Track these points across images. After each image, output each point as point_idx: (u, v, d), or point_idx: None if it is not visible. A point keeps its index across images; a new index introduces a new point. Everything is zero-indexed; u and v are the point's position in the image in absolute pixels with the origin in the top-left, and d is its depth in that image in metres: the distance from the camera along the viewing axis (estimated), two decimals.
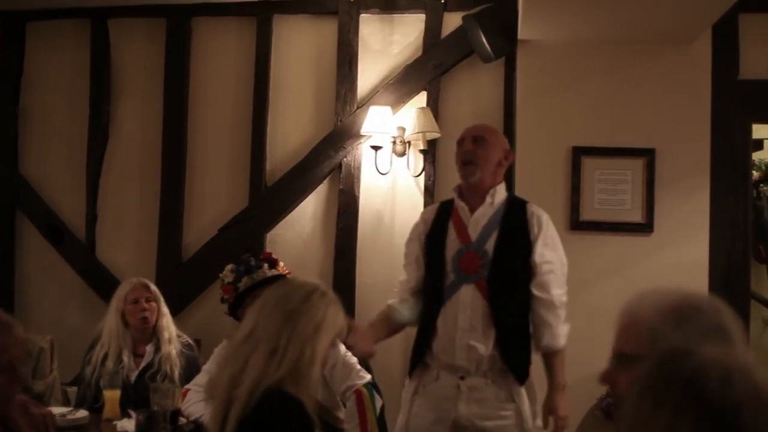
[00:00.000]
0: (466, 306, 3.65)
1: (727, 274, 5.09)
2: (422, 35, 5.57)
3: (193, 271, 5.71)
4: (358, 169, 5.56)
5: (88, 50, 5.93)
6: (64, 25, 6.00)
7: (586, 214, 5.11)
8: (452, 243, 3.75)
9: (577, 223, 5.11)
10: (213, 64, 5.87)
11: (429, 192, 5.47)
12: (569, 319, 3.72)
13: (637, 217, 5.12)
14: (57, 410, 3.93)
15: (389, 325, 3.97)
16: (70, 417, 3.97)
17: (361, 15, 5.62)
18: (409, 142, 5.47)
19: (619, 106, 5.15)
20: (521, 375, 3.65)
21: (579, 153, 5.16)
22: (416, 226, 4.00)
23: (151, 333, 4.56)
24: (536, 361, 3.75)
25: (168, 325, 4.61)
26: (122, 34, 5.94)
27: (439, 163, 5.48)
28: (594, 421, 4.79)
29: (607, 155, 5.14)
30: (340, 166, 5.59)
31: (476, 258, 3.67)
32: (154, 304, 4.58)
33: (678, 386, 1.40)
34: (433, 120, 5.35)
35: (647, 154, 5.10)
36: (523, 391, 3.65)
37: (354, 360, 4.17)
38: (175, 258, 5.75)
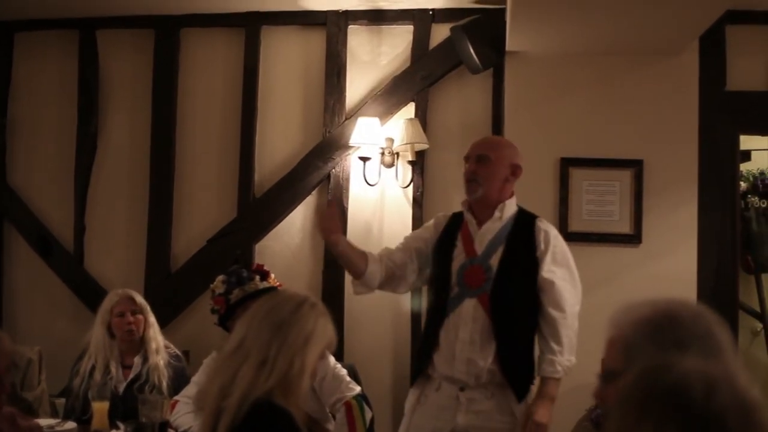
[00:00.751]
0: (467, 319, 3.66)
1: (716, 285, 5.10)
2: (410, 46, 5.58)
3: (182, 282, 5.69)
4: (347, 180, 5.56)
5: (76, 61, 5.92)
6: (52, 36, 5.99)
7: (575, 225, 5.12)
8: (459, 256, 3.78)
9: (565, 234, 5.07)
10: (201, 75, 5.86)
11: (417, 203, 5.47)
12: None
13: (625, 228, 5.13)
14: (45, 422, 3.91)
15: (355, 254, 3.89)
16: (58, 429, 3.95)
17: (350, 26, 5.62)
18: (397, 153, 5.47)
19: (607, 117, 5.16)
20: (521, 391, 3.64)
21: (567, 164, 5.17)
22: (426, 228, 4.04)
23: (139, 344, 4.54)
24: None
25: (155, 335, 4.59)
26: (110, 44, 5.93)
27: (427, 174, 5.49)
28: None
29: (595, 166, 5.15)
30: (328, 177, 5.58)
31: (480, 272, 3.68)
32: (140, 317, 4.56)
33: (660, 399, 1.40)
34: (422, 131, 5.35)
35: (635, 165, 5.11)
36: (523, 406, 3.63)
37: (344, 372, 4.17)
38: (164, 269, 5.73)
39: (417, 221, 5.42)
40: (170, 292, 5.64)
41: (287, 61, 5.77)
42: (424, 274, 3.99)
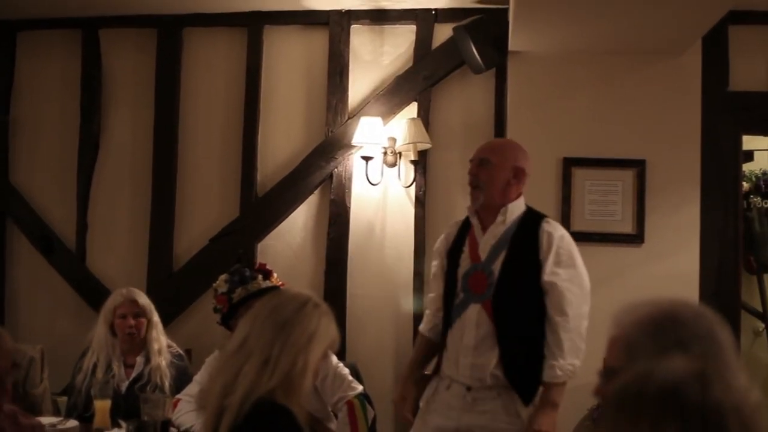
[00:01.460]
0: (472, 325, 3.65)
1: (718, 285, 5.10)
2: (413, 46, 5.58)
3: (184, 281, 5.70)
4: (349, 179, 5.57)
5: (79, 60, 5.93)
6: (55, 35, 6.00)
7: (577, 225, 5.11)
8: (465, 261, 3.77)
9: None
10: (204, 74, 5.87)
11: (420, 202, 5.47)
12: None
13: (627, 227, 5.13)
14: (47, 420, 3.91)
15: (427, 355, 4.03)
16: (60, 427, 3.94)
17: (352, 26, 5.63)
18: (400, 153, 5.48)
19: (610, 117, 5.16)
20: (526, 396, 3.61)
21: (570, 164, 5.17)
22: (440, 241, 4.01)
23: (141, 344, 4.53)
24: None
25: (158, 336, 4.57)
26: (113, 44, 5.94)
27: (430, 173, 5.49)
28: None
29: (597, 166, 5.14)
30: (331, 176, 5.59)
31: (483, 278, 3.67)
32: (142, 320, 4.54)
33: (655, 398, 1.40)
34: (424, 131, 5.36)
35: (638, 165, 5.11)
36: (530, 409, 3.59)
37: (346, 371, 4.17)
38: (166, 268, 5.74)
39: (419, 221, 5.44)
40: (172, 291, 5.64)
41: (290, 60, 5.78)
42: None
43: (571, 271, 3.65)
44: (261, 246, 5.68)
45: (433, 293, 4.00)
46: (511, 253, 3.67)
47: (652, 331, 1.73)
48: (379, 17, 5.61)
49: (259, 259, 5.47)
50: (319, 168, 5.60)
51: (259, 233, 5.67)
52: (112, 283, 5.51)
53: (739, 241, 5.21)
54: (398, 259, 5.53)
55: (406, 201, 5.52)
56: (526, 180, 3.81)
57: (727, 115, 5.19)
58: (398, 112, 5.56)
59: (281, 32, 5.78)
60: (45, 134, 6.01)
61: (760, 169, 6.40)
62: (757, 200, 6.29)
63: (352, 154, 5.55)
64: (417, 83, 5.54)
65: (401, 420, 3.97)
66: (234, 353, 2.54)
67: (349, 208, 5.55)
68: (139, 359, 4.50)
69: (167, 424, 3.79)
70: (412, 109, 5.55)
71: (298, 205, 5.66)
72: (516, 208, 3.75)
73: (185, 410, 3.99)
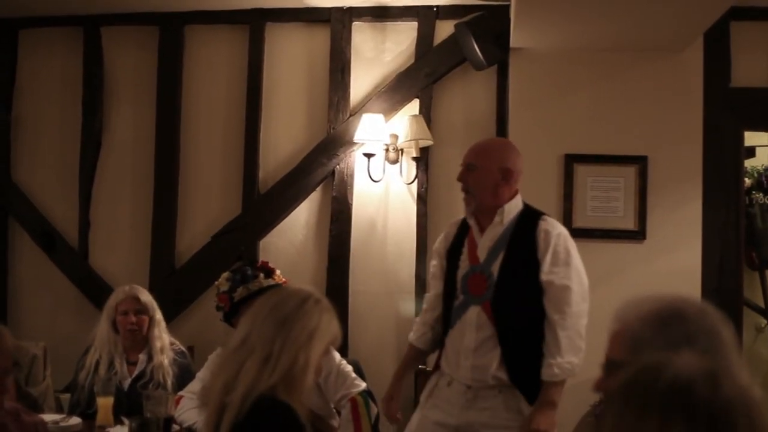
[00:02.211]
0: (472, 327, 3.64)
1: (720, 281, 5.10)
2: (414, 43, 5.58)
3: (186, 278, 5.71)
4: (351, 176, 5.57)
5: (80, 58, 5.93)
6: (57, 33, 6.00)
7: (579, 222, 5.11)
8: (464, 263, 3.75)
9: (569, 231, 5.03)
10: (205, 71, 5.87)
11: (422, 199, 5.47)
12: None
13: (629, 224, 5.13)
14: (50, 417, 3.91)
15: (417, 361, 4.14)
16: (63, 424, 3.95)
17: (354, 23, 5.63)
18: (401, 150, 5.48)
19: (612, 113, 5.16)
20: (531, 395, 3.58)
21: (571, 160, 5.17)
22: (439, 241, 4.00)
23: (143, 342, 4.53)
24: None
25: (161, 334, 4.56)
26: (115, 41, 5.94)
27: (431, 170, 5.49)
28: (587, 428, 4.79)
29: (599, 162, 5.14)
30: (332, 173, 5.59)
31: (482, 280, 3.66)
32: (144, 317, 4.53)
33: (663, 395, 1.39)
34: (426, 128, 5.36)
35: (640, 162, 5.11)
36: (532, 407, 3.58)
37: (349, 368, 4.17)
38: (168, 265, 5.75)
39: (421, 217, 5.44)
40: (175, 288, 5.65)
41: (291, 57, 5.78)
42: None
43: (568, 270, 3.61)
44: (263, 243, 5.69)
45: (431, 292, 4.00)
46: (509, 254, 3.65)
47: (659, 326, 1.73)
48: (380, 14, 5.61)
49: (262, 256, 5.48)
50: (321, 165, 5.60)
51: (261, 230, 5.68)
52: (115, 281, 5.52)
53: (741, 237, 5.20)
54: (400, 256, 5.53)
55: (407, 198, 5.52)
56: (519, 178, 3.75)
57: (728, 112, 5.18)
58: (400, 109, 5.56)
59: (283, 29, 5.77)
60: (47, 132, 6.02)
61: (762, 165, 6.40)
62: (759, 196, 6.29)
63: (353, 151, 5.56)
64: (419, 80, 5.54)
65: (388, 419, 3.96)
66: (236, 350, 2.54)
67: (351, 205, 5.55)
68: (142, 356, 4.50)
69: (170, 421, 3.79)
70: (413, 106, 5.55)
71: (300, 202, 5.66)
72: (513, 208, 3.72)
73: (188, 407, 3.99)
